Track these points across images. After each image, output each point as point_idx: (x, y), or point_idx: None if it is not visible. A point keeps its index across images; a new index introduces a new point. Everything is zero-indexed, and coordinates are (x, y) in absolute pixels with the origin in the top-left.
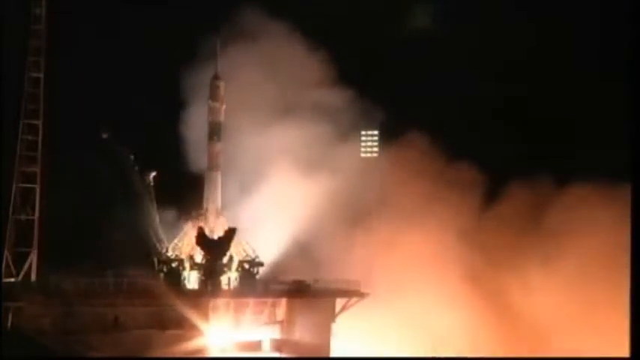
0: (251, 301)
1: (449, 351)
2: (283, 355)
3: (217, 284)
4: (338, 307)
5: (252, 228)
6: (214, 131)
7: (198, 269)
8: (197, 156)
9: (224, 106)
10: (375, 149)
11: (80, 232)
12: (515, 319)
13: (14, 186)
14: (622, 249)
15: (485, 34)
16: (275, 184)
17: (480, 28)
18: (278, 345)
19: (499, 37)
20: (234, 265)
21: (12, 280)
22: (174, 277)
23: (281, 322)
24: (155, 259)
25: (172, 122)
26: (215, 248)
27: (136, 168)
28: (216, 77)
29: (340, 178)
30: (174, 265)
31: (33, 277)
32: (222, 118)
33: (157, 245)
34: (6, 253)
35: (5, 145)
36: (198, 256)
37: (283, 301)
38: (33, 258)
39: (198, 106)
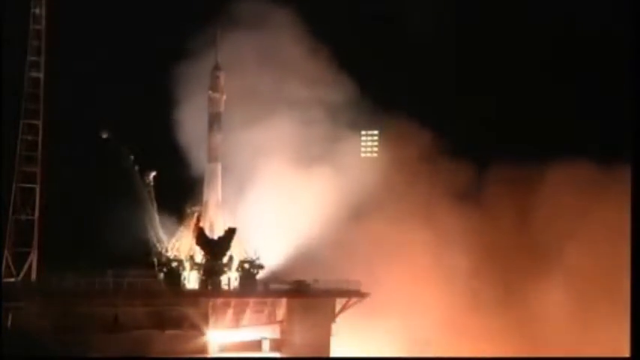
0: (251, 301)
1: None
2: (283, 355)
3: (217, 284)
4: (338, 307)
5: (251, 227)
6: (214, 122)
7: (198, 269)
8: (196, 151)
9: (224, 97)
10: (375, 149)
11: (80, 232)
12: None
13: (14, 186)
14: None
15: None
16: (273, 182)
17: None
18: (278, 345)
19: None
20: (234, 265)
21: (12, 280)
22: (174, 277)
23: (281, 322)
24: (155, 259)
25: (171, 119)
26: (215, 248)
27: (136, 168)
28: (216, 68)
29: (340, 176)
30: (174, 265)
31: (33, 277)
32: (222, 108)
33: (157, 245)
34: (6, 253)
35: (5, 145)
36: (198, 256)
37: (283, 301)
38: (33, 258)
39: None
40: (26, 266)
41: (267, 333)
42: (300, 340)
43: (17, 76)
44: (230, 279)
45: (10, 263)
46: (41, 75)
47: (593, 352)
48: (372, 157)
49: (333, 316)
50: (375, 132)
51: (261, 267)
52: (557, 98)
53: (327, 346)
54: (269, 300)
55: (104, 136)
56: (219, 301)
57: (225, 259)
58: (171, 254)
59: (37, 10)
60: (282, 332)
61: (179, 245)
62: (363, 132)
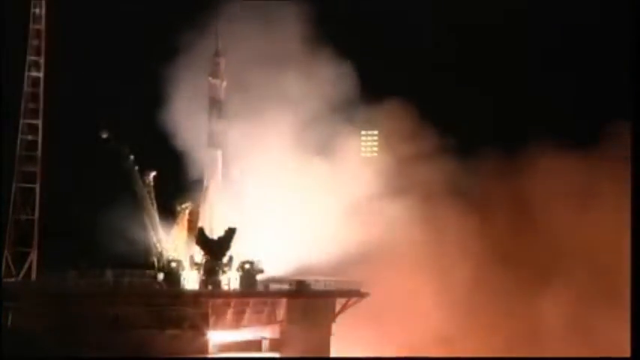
0: (251, 301)
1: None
2: (283, 355)
3: (217, 284)
4: (338, 307)
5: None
6: (214, 108)
7: (198, 269)
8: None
9: (224, 83)
10: (375, 149)
11: (80, 232)
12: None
13: (14, 186)
14: None
15: None
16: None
17: None
18: (278, 345)
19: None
20: (234, 265)
21: (12, 280)
22: (174, 276)
23: (281, 322)
24: (155, 259)
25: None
26: (215, 248)
27: (136, 168)
28: (216, 54)
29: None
30: (173, 264)
31: (33, 277)
32: (222, 94)
33: (157, 245)
34: (6, 253)
35: (5, 145)
36: (198, 256)
37: (283, 301)
38: (33, 258)
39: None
40: (26, 266)
41: (267, 333)
42: (300, 340)
43: (17, 76)
44: (230, 279)
45: (10, 263)
46: (41, 75)
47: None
48: (372, 157)
49: (333, 316)
50: (375, 132)
51: (261, 271)
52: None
53: (327, 346)
54: (269, 300)
55: (104, 136)
56: (219, 301)
57: (225, 259)
58: (170, 254)
59: (37, 10)
60: (282, 332)
61: (176, 245)
62: (363, 132)
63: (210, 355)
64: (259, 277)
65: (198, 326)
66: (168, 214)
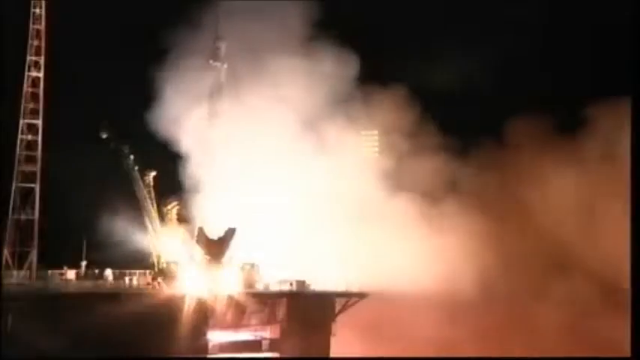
0: (251, 300)
1: None
2: (283, 355)
3: (217, 284)
4: (338, 307)
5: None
6: (214, 91)
7: (198, 269)
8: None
9: (225, 66)
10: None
11: (80, 232)
12: None
13: (14, 186)
14: None
15: None
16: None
17: None
18: (278, 345)
19: None
20: (234, 265)
21: (12, 280)
22: (174, 276)
23: (281, 322)
24: (155, 259)
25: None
26: (215, 248)
27: (136, 168)
28: (217, 37)
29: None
30: (173, 265)
31: (33, 277)
32: (222, 77)
33: (156, 245)
34: (6, 252)
35: (5, 145)
36: (198, 256)
37: (283, 301)
38: (33, 258)
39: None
40: (26, 266)
41: (267, 333)
42: (300, 340)
43: (17, 76)
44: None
45: (10, 263)
46: (41, 75)
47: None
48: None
49: (333, 316)
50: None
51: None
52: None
53: (327, 346)
54: (269, 300)
55: (104, 135)
56: (220, 301)
57: (225, 260)
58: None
59: (37, 10)
60: (282, 332)
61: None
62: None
63: (210, 355)
64: (261, 270)
65: (199, 326)
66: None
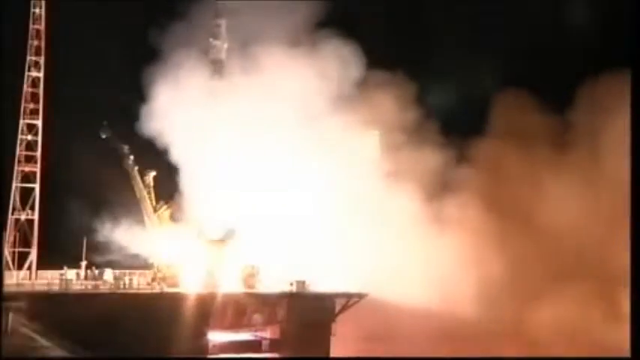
0: (251, 301)
1: None
2: (283, 355)
3: (217, 284)
4: (338, 307)
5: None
6: (216, 69)
7: (198, 269)
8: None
9: (226, 45)
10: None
11: (80, 233)
12: None
13: (14, 186)
14: None
15: None
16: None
17: None
18: (278, 345)
19: None
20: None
21: (12, 280)
22: (174, 277)
23: (281, 322)
24: (154, 259)
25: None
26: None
27: (136, 168)
28: (217, 15)
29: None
30: (173, 265)
31: (33, 276)
32: (223, 55)
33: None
34: (6, 252)
35: (5, 145)
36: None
37: (283, 301)
38: (33, 258)
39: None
40: (26, 266)
41: (267, 333)
42: (300, 340)
43: (17, 76)
44: (230, 279)
45: (10, 263)
46: (41, 75)
47: None
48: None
49: (333, 316)
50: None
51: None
52: None
53: (327, 346)
54: (269, 300)
55: (104, 135)
56: (220, 301)
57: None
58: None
59: (37, 10)
60: (282, 332)
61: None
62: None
63: (210, 355)
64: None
65: (199, 326)
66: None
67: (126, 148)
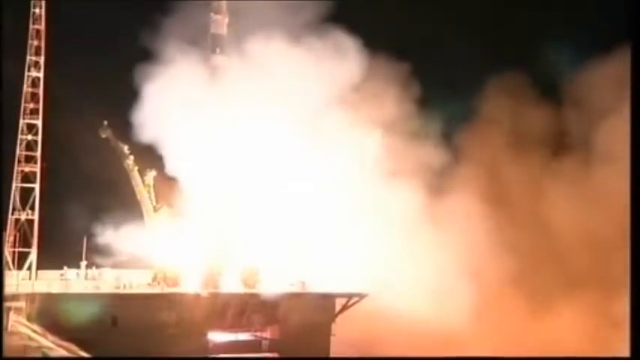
0: (251, 300)
1: None
2: (283, 355)
3: (217, 285)
4: (338, 307)
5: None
6: (216, 44)
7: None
8: None
9: (226, 20)
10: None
11: (79, 232)
12: None
13: (14, 186)
14: None
15: None
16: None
17: None
18: (277, 345)
19: None
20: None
21: (12, 280)
22: (174, 276)
23: (281, 322)
24: (154, 259)
25: None
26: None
27: (136, 168)
28: None
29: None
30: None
31: (33, 276)
32: (224, 30)
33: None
34: (6, 252)
35: (5, 145)
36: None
37: (283, 301)
38: (33, 258)
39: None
40: (26, 266)
41: (267, 333)
42: (300, 340)
43: (17, 76)
44: (229, 279)
45: (10, 263)
46: (41, 75)
47: None
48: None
49: (333, 316)
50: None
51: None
52: None
53: (327, 346)
54: (269, 300)
55: (104, 135)
56: (220, 301)
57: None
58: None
59: (37, 10)
60: (282, 332)
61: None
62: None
63: (210, 355)
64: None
65: (199, 326)
66: None
67: (126, 148)
